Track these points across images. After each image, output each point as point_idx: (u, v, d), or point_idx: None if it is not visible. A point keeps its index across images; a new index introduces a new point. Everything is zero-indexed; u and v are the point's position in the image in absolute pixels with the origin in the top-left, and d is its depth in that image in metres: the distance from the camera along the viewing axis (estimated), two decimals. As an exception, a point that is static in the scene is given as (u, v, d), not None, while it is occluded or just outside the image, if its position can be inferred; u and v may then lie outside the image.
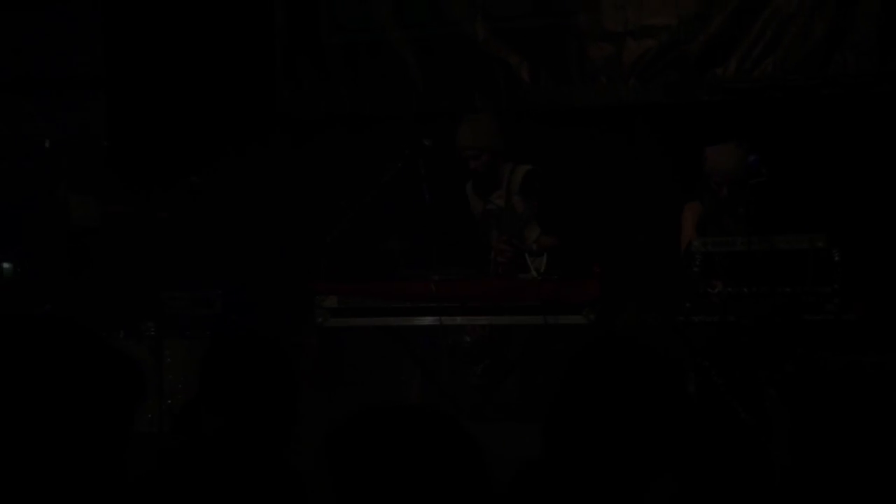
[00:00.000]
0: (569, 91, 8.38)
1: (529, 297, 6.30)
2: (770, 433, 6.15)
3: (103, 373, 1.91)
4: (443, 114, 7.93)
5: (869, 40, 7.85)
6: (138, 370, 2.00)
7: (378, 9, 8.66)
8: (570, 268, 6.34)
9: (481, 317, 6.51)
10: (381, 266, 6.91)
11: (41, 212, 8.27)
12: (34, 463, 1.80)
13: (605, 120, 8.28)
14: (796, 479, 3.05)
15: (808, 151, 7.86)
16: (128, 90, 9.14)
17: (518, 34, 8.44)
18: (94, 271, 8.29)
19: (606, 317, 6.36)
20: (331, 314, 6.53)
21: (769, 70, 8.02)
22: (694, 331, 6.32)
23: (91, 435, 1.86)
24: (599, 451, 2.40)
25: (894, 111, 7.87)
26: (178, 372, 7.17)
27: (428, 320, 6.44)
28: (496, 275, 6.80)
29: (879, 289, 7.32)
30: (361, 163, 7.99)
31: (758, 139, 7.04)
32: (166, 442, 6.77)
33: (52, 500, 1.80)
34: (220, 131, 8.66)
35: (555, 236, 6.89)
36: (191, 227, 7.83)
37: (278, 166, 8.51)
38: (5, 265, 7.67)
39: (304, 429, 3.15)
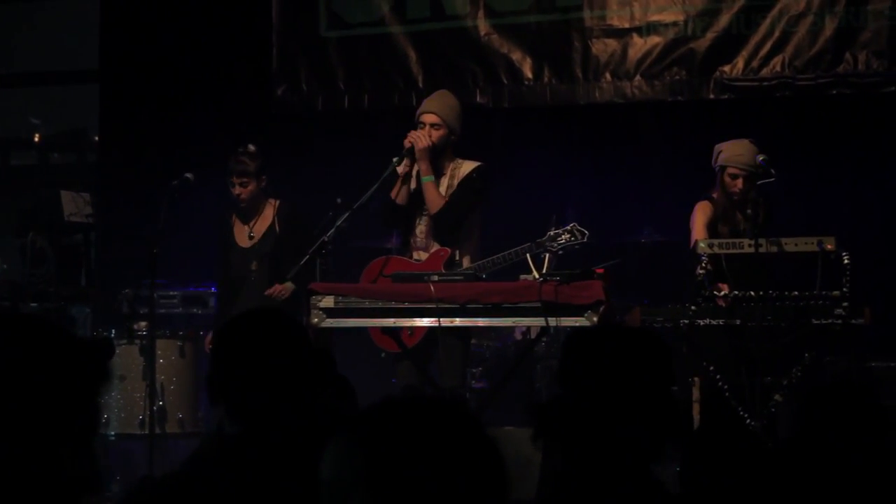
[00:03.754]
0: (572, 88, 8.27)
1: (530, 298, 6.13)
2: (777, 440, 6.02)
3: (59, 360, 1.93)
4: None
5: (879, 40, 7.78)
6: (97, 354, 1.99)
7: (378, 2, 8.55)
8: (573, 269, 6.17)
9: (480, 319, 6.35)
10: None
11: (33, 207, 8.13)
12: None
13: (610, 117, 8.18)
14: (799, 483, 2.97)
15: (817, 152, 7.75)
16: (121, 84, 9.01)
17: (521, 30, 8.35)
18: (86, 268, 8.15)
19: (610, 319, 6.21)
20: (327, 315, 6.37)
21: (777, 69, 7.92)
22: (699, 335, 6.18)
23: (52, 422, 1.90)
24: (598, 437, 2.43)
25: (905, 112, 7.77)
26: (169, 373, 7.03)
27: (426, 322, 6.29)
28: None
29: (888, 293, 7.19)
30: (360, 159, 7.87)
31: (766, 139, 6.93)
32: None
33: (24, 486, 1.84)
34: (215, 127, 8.55)
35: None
36: (185, 224, 7.68)
37: (275, 163, 8.37)
38: (-7, 261, 7.54)
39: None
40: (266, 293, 7.09)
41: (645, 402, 2.46)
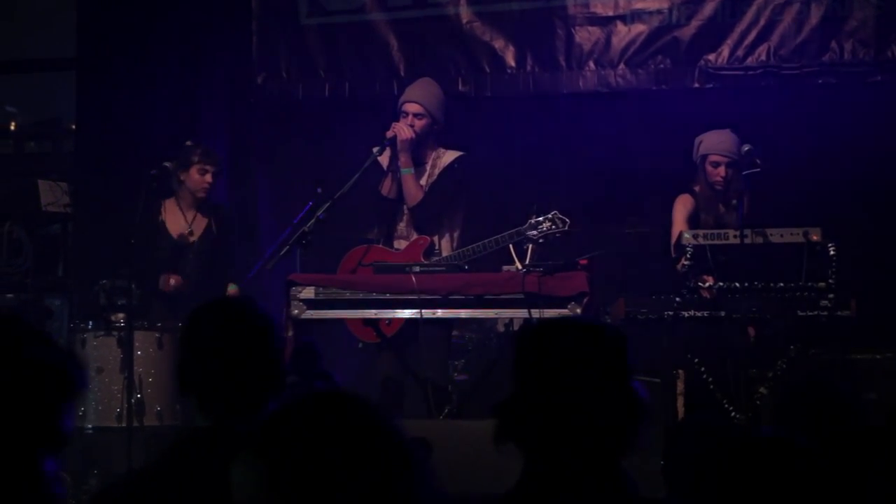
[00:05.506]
0: (555, 77, 8.20)
1: (513, 289, 6.08)
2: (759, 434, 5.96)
3: (23, 370, 1.93)
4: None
5: (866, 28, 7.72)
6: (66, 369, 1.98)
7: (359, -12, 8.48)
8: (557, 260, 6.12)
9: (463, 310, 6.29)
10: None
11: (9, 196, 8.04)
12: None
13: (594, 105, 8.11)
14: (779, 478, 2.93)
15: (802, 142, 7.70)
16: (99, 72, 8.91)
17: (504, 17, 8.27)
18: (64, 258, 8.06)
19: (593, 311, 6.16)
20: (307, 306, 6.31)
21: (763, 58, 7.86)
22: (684, 326, 6.13)
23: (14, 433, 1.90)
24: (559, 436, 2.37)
25: (891, 101, 7.71)
26: (147, 365, 6.93)
27: (408, 313, 6.23)
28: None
29: (874, 284, 7.15)
30: (341, 148, 7.80)
31: (751, 129, 6.88)
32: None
33: None
34: (194, 116, 8.46)
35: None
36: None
37: (255, 152, 8.30)
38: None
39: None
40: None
41: (602, 395, 2.39)
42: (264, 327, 2.91)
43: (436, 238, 6.62)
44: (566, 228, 6.26)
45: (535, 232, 6.25)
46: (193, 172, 7.15)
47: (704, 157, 6.73)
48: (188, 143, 7.25)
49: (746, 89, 7.89)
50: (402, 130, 6.52)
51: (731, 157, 6.63)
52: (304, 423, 1.77)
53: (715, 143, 6.70)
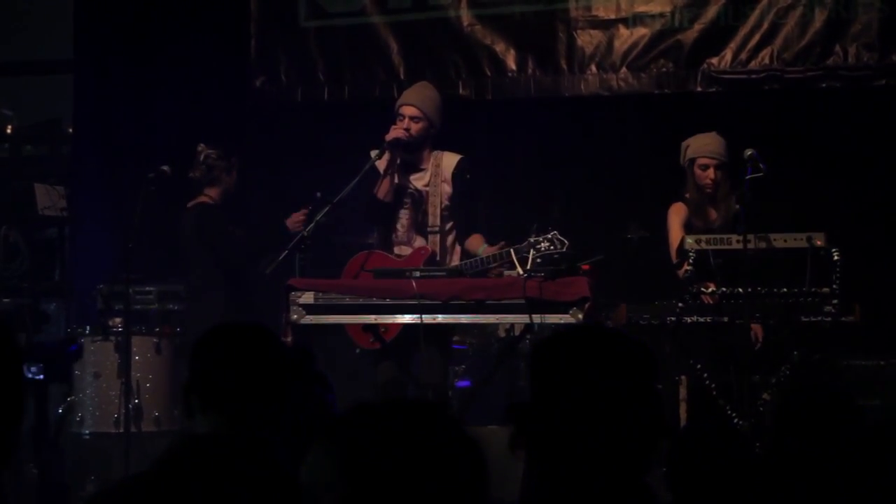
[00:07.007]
0: (557, 80, 8.16)
1: (514, 295, 6.02)
2: (765, 439, 5.93)
3: None
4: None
5: (869, 32, 7.69)
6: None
7: (359, -9, 8.44)
8: (558, 265, 6.06)
9: (463, 315, 6.23)
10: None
11: (6, 200, 8.00)
12: None
13: (596, 109, 8.07)
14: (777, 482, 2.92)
15: (806, 146, 7.66)
16: (96, 75, 8.87)
17: (505, 21, 8.24)
18: (60, 263, 8.02)
19: (595, 316, 6.11)
20: (306, 311, 6.25)
21: (766, 61, 7.82)
22: (686, 332, 6.08)
23: None
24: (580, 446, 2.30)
25: (895, 105, 7.67)
26: (145, 370, 6.89)
27: (408, 318, 6.18)
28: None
29: (878, 289, 7.11)
30: (340, 152, 7.75)
31: (754, 133, 6.84)
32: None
33: None
34: (192, 119, 8.41)
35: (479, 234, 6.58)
36: (161, 218, 7.54)
37: (253, 155, 8.24)
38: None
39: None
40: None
41: (626, 408, 2.32)
42: (290, 363, 3.04)
43: (448, 240, 6.59)
44: (564, 250, 6.21)
45: (533, 251, 6.20)
46: (234, 174, 7.23)
47: (692, 160, 6.68)
48: (207, 147, 7.20)
49: (749, 93, 7.86)
50: (396, 131, 6.50)
51: (720, 159, 6.59)
52: (386, 421, 1.78)
53: (702, 146, 6.65)
